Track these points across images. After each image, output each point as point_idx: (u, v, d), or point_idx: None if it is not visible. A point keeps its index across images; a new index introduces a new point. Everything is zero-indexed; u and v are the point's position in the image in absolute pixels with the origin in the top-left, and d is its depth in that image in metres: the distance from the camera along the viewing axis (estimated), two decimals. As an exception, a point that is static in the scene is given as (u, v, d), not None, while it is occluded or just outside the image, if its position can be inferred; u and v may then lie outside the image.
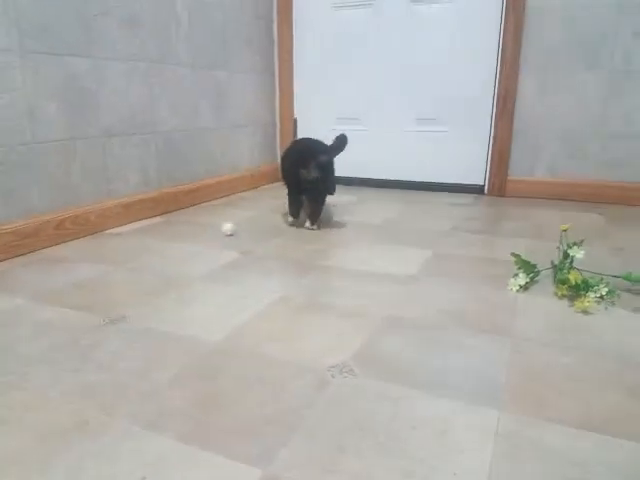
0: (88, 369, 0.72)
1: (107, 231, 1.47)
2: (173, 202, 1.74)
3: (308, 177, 1.35)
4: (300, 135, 2.36)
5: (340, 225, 1.55)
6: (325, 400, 0.64)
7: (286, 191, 1.51)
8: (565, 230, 1.04)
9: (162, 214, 1.69)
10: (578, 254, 1.00)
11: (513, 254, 1.06)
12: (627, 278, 1.00)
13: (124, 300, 0.96)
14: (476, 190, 2.07)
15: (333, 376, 0.69)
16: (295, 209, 1.49)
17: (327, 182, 1.37)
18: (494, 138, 1.97)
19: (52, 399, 0.65)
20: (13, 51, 1.18)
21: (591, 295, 0.92)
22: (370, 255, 1.25)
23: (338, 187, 1.46)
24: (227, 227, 1.40)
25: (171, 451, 0.55)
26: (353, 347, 0.77)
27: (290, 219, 1.52)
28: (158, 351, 0.77)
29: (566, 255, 1.02)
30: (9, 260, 1.19)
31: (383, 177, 2.24)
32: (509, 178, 1.98)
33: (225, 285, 1.05)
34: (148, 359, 0.74)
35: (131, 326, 0.85)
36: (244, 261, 1.20)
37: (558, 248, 1.05)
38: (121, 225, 1.52)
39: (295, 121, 2.36)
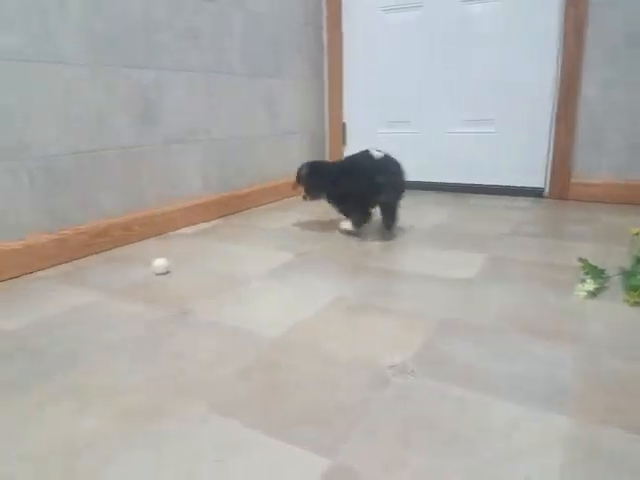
0: (162, 358, 0.76)
1: (170, 232, 1.55)
2: (230, 205, 1.81)
3: (384, 200, 1.41)
4: (349, 139, 2.37)
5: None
6: (387, 397, 0.65)
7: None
8: (637, 234, 0.98)
9: (221, 217, 1.76)
10: (652, 259, 0.94)
11: (580, 259, 1.02)
12: None
13: (189, 296, 1.01)
14: (535, 193, 1.99)
15: (394, 375, 0.70)
16: (362, 225, 1.48)
17: (399, 198, 1.44)
18: (555, 138, 1.89)
19: (131, 385, 0.69)
20: (84, 65, 1.28)
21: (668, 302, 0.87)
22: (423, 258, 1.24)
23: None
24: (159, 264, 1.15)
25: (243, 437, 0.58)
26: (412, 348, 0.77)
27: (353, 230, 1.49)
28: (223, 344, 0.80)
29: (638, 260, 0.96)
30: (83, 258, 1.28)
31: (435, 180, 2.21)
32: (572, 180, 1.89)
33: (281, 285, 1.08)
34: (214, 351, 0.78)
35: (197, 320, 0.90)
36: (298, 262, 1.23)
37: (629, 253, 0.99)
38: (183, 227, 1.60)
39: (344, 126, 2.39)
